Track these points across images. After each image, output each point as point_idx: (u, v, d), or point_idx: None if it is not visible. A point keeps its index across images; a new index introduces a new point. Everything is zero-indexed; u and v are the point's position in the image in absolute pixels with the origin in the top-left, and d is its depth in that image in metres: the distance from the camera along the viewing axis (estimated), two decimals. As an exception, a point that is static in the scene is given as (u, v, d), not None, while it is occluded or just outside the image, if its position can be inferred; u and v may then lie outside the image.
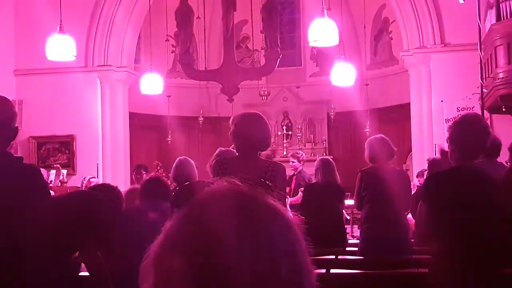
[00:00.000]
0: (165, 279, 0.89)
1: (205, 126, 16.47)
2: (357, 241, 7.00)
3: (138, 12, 13.47)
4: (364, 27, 14.79)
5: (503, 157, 5.62)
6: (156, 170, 12.40)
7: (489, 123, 8.09)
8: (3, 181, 3.13)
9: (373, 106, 15.19)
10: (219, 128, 17.02)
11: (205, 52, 13.84)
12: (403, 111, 14.11)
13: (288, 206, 6.80)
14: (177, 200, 5.01)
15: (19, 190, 3.12)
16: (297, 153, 9.99)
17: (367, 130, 13.55)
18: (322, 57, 16.75)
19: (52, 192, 9.75)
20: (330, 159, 7.78)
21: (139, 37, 14.42)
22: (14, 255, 3.02)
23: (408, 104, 12.92)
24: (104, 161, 12.83)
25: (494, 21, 9.94)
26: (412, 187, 7.83)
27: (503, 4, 9.81)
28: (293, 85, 17.04)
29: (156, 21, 14.01)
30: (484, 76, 9.71)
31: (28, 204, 3.11)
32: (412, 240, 6.43)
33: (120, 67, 13.33)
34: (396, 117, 15.24)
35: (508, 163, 5.43)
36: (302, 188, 8.08)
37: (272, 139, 11.75)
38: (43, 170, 10.04)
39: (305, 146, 16.58)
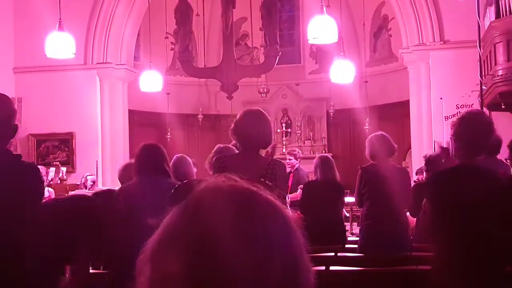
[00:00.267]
0: (162, 273, 0.89)
1: (204, 123, 16.47)
2: (357, 238, 7.00)
3: (138, 10, 13.46)
4: (364, 24, 14.78)
5: (502, 155, 5.62)
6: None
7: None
8: (2, 179, 3.13)
9: (373, 103, 15.19)
10: (219, 126, 17.04)
11: (204, 49, 13.87)
12: (402, 108, 14.11)
13: (288, 204, 6.81)
14: (176, 197, 4.98)
15: (17, 189, 3.11)
16: (293, 150, 10.05)
17: (367, 127, 13.55)
18: (321, 55, 16.74)
19: (51, 190, 9.80)
20: (329, 156, 7.79)
21: (138, 35, 14.41)
22: (7, 254, 3.01)
23: (408, 101, 12.92)
24: (104, 159, 12.83)
25: (493, 18, 9.93)
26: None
27: (503, 1, 9.80)
28: (292, 82, 17.03)
29: (156, 19, 14.00)
30: (483, 73, 9.71)
31: (25, 203, 3.10)
32: (412, 237, 6.44)
33: (120, 64, 13.33)
34: (395, 114, 15.25)
35: (508, 161, 5.44)
36: (302, 186, 8.09)
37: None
38: (42, 168, 10.07)
39: (304, 143, 16.60)
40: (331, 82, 12.69)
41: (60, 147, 13.02)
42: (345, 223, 8.53)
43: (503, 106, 9.90)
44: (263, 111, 4.39)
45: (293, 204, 7.64)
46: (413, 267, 5.20)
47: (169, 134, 14.61)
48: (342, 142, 17.15)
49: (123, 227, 3.87)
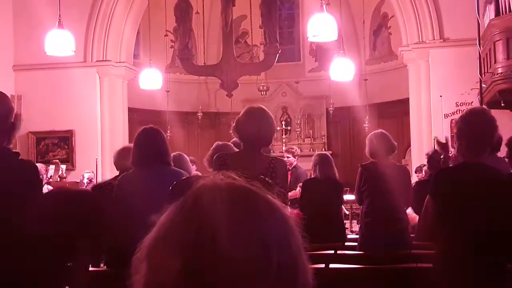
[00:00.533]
0: (158, 271, 0.89)
1: (204, 121, 16.47)
2: (356, 236, 7.01)
3: (137, 7, 13.45)
4: (363, 22, 14.79)
5: (501, 153, 5.61)
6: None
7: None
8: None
9: (372, 101, 15.20)
10: (218, 124, 17.05)
11: (204, 47, 13.85)
12: (402, 106, 14.10)
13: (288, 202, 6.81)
14: (174, 194, 4.93)
15: (15, 186, 3.11)
16: (291, 148, 10.08)
17: (366, 125, 13.56)
18: (321, 52, 16.75)
19: (51, 188, 9.79)
20: (328, 154, 7.79)
21: (138, 32, 14.40)
22: (6, 251, 3.01)
23: (407, 99, 12.91)
24: (103, 156, 12.81)
25: (493, 16, 9.92)
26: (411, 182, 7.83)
27: (502, -1, 9.80)
28: (292, 80, 17.04)
29: (155, 16, 14.00)
30: (483, 71, 9.72)
31: (23, 200, 3.10)
32: (412, 235, 6.43)
33: (119, 62, 13.31)
34: (395, 112, 15.25)
35: (507, 159, 5.43)
36: (301, 184, 8.09)
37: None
38: (42, 166, 10.07)
39: (304, 141, 16.60)
40: (331, 80, 12.70)
41: (59, 144, 13.01)
42: (345, 221, 8.53)
43: (502, 104, 9.89)
44: (266, 108, 4.37)
45: (291, 202, 7.65)
46: (413, 265, 5.20)
47: (168, 132, 14.59)
48: (341, 140, 17.15)
49: (122, 222, 3.81)
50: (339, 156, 15.91)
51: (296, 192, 8.20)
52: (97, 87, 12.94)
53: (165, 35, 14.74)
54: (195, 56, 14.30)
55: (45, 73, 12.56)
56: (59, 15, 9.36)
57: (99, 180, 11.19)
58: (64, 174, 12.20)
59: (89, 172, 10.46)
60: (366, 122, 13.80)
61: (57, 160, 12.51)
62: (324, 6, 9.08)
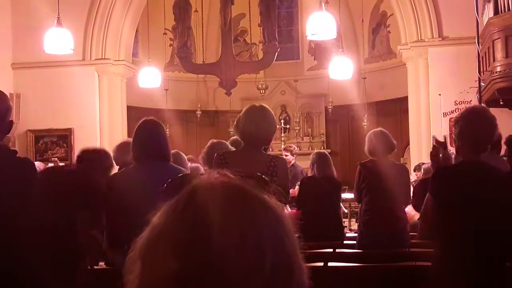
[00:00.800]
0: (152, 271, 0.88)
1: (202, 119, 16.48)
2: (355, 235, 7.01)
3: (136, 5, 13.44)
4: (362, 21, 14.80)
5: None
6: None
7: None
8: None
9: (371, 99, 15.21)
10: (217, 122, 17.06)
11: (203, 45, 13.87)
12: (400, 104, 14.12)
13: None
14: (168, 192, 4.86)
15: (12, 183, 3.11)
16: (289, 146, 10.06)
17: (365, 123, 13.58)
18: (320, 51, 16.75)
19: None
20: (326, 153, 7.78)
21: (137, 31, 14.39)
22: (6, 249, 3.01)
23: (406, 98, 12.92)
24: (102, 155, 12.80)
25: (491, 14, 9.92)
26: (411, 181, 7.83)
27: (501, -2, 9.80)
28: (291, 78, 17.04)
29: (154, 15, 13.99)
30: (481, 70, 9.72)
31: (20, 197, 3.10)
32: (413, 234, 6.43)
33: (118, 60, 13.30)
34: (393, 111, 15.26)
35: (505, 158, 5.43)
36: (299, 182, 8.09)
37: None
38: (40, 164, 10.05)
39: (303, 139, 16.61)
40: (330, 78, 12.70)
41: (58, 143, 13.00)
42: (344, 219, 8.53)
43: (501, 102, 9.90)
44: (267, 107, 4.37)
45: (290, 199, 7.64)
46: (411, 263, 5.20)
47: (167, 130, 14.59)
48: (340, 138, 17.16)
49: (120, 219, 3.77)
50: (338, 154, 15.93)
51: (294, 191, 8.20)
52: (96, 86, 12.93)
53: (164, 34, 14.75)
54: (194, 55, 14.31)
55: (44, 72, 12.55)
56: (58, 13, 9.35)
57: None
58: (63, 173, 12.18)
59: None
60: (365, 121, 13.82)
61: (56, 159, 12.50)
62: (323, 4, 9.07)
